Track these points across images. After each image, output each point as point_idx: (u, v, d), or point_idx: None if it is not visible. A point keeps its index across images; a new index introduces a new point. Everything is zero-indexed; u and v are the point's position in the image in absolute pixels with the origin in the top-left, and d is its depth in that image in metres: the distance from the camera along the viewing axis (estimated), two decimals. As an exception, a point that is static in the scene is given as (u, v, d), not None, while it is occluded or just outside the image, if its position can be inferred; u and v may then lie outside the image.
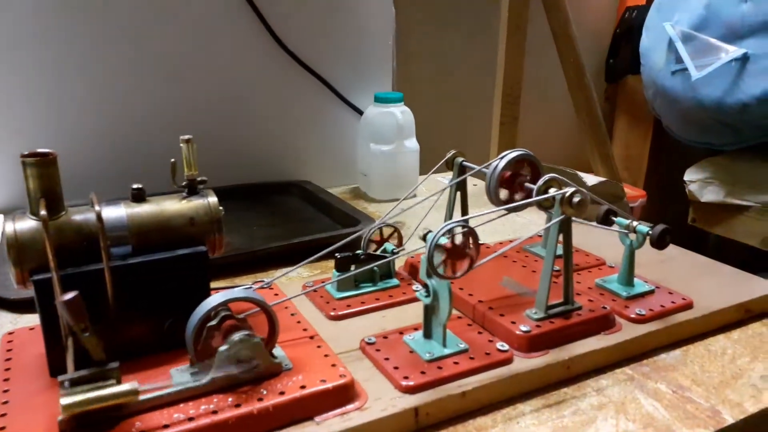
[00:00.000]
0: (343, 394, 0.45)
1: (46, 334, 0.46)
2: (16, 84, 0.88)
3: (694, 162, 1.38)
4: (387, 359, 0.51)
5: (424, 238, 0.50)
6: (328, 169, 1.13)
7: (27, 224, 0.45)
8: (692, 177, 1.36)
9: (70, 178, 0.90)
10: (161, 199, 0.50)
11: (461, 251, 0.48)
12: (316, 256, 0.59)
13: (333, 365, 0.48)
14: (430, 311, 0.52)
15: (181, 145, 0.49)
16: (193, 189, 0.50)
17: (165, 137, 0.98)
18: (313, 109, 1.09)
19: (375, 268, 0.63)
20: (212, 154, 1.03)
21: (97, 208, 0.44)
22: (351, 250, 0.63)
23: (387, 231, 0.67)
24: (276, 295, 0.61)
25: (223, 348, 0.44)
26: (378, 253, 0.65)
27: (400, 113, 1.03)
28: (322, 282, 0.66)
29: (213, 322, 0.46)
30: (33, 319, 0.60)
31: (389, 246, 0.66)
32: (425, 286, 0.52)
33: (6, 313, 0.64)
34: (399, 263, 0.70)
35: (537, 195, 0.55)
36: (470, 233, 0.48)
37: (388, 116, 1.02)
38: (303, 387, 0.45)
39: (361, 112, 1.10)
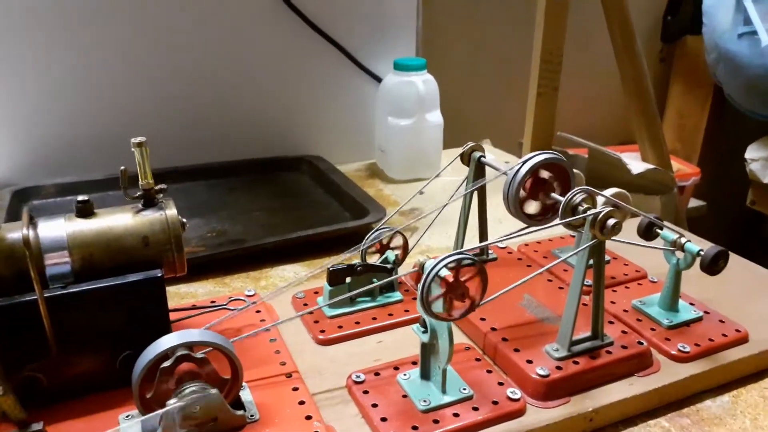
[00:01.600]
0: (315, 458, 0.39)
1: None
2: None
3: (757, 138, 1.25)
4: (375, 406, 0.44)
5: (421, 267, 0.42)
6: (343, 144, 1.05)
7: (-52, 247, 0.39)
8: (754, 155, 1.23)
9: (58, 160, 0.85)
10: (111, 213, 0.43)
11: (464, 288, 0.40)
12: (310, 274, 0.52)
13: (308, 417, 0.41)
14: (428, 350, 0.45)
15: (133, 149, 0.42)
16: (149, 200, 0.43)
17: (163, 111, 0.92)
18: (325, 77, 1.00)
19: (374, 279, 0.56)
20: (214, 127, 0.96)
21: (24, 231, 0.38)
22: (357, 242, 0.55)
23: (391, 236, 0.60)
24: (258, 312, 0.54)
25: (172, 403, 0.38)
26: (378, 264, 0.58)
27: (422, 82, 0.93)
28: (315, 293, 0.59)
29: (167, 363, 0.39)
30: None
31: (391, 255, 0.58)
32: (423, 320, 0.45)
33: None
34: (406, 268, 0.63)
35: (565, 214, 0.46)
36: (477, 270, 0.40)
37: (408, 86, 0.93)
38: (267, 449, 0.39)
39: (379, 80, 1.01)
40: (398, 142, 0.95)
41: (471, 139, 0.59)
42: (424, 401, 0.44)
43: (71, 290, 0.40)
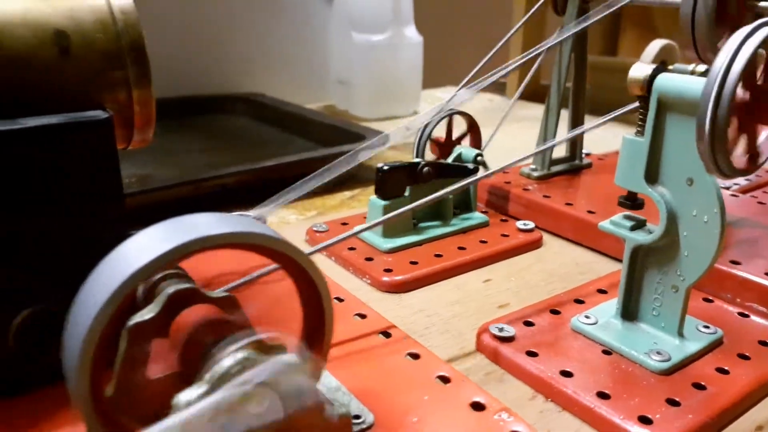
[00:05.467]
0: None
1: None
2: None
3: None
4: (567, 375, 0.23)
5: (649, 80, 0.22)
6: (285, 80, 0.82)
7: None
8: None
9: None
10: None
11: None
12: (302, 218, 0.30)
13: (477, 407, 0.20)
14: (642, 262, 0.25)
15: None
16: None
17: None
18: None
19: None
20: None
21: None
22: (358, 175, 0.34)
23: (457, 124, 0.39)
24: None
25: (197, 393, 0.15)
26: (452, 162, 0.37)
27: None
28: (343, 224, 0.37)
29: (145, 316, 0.16)
30: None
31: (467, 151, 0.38)
32: (632, 204, 0.25)
33: None
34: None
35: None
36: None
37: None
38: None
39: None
40: (367, 67, 0.75)
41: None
42: (657, 355, 0.23)
43: None
